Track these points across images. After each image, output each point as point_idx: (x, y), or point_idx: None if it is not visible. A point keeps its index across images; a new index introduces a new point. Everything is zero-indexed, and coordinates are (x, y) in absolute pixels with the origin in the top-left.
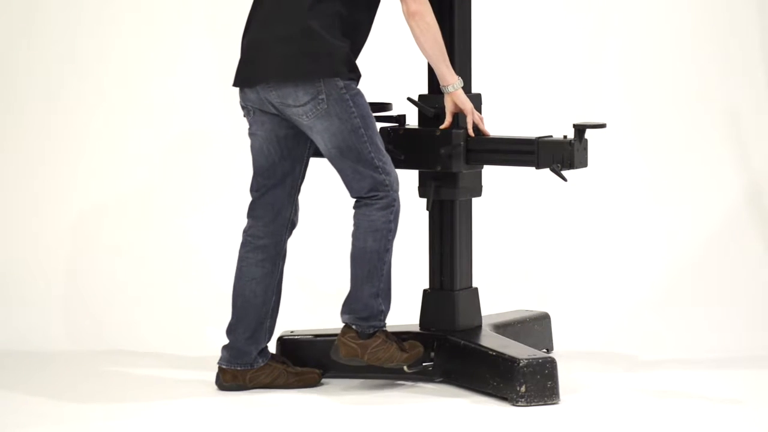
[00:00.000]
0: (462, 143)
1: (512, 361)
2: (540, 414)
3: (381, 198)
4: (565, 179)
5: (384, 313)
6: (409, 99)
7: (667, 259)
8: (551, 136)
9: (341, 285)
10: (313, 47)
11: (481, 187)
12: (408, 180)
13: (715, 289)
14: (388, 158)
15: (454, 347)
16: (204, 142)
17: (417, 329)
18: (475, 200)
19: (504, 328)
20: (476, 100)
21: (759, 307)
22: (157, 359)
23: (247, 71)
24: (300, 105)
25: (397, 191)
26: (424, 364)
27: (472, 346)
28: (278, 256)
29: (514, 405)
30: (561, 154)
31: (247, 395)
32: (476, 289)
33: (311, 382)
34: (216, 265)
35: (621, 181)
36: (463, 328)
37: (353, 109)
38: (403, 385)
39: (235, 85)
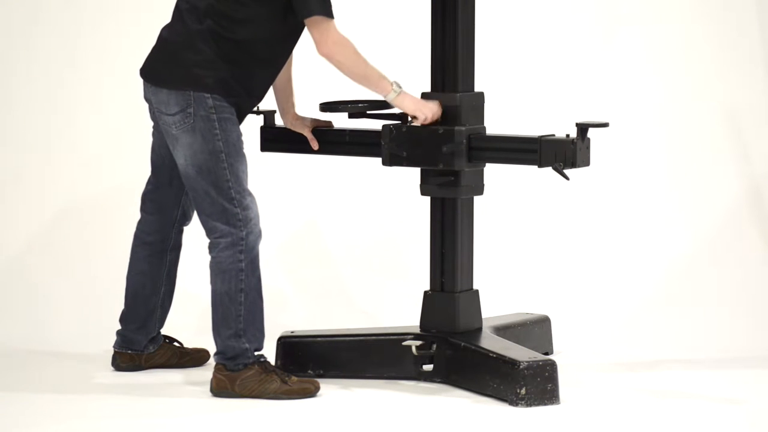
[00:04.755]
0: (464, 141)
1: (513, 363)
2: (540, 415)
3: (227, 236)
4: (567, 178)
5: (249, 350)
6: None
7: (667, 259)
8: (554, 135)
9: (341, 285)
10: (191, 59)
11: (483, 185)
12: (410, 178)
13: (715, 289)
14: (248, 193)
15: (454, 349)
16: None
17: (417, 331)
18: (476, 199)
19: (504, 330)
20: (478, 99)
21: (759, 307)
22: None
23: (143, 65)
24: (170, 114)
25: (252, 228)
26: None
27: (473, 348)
28: (165, 251)
29: (514, 407)
30: (563, 153)
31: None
32: (477, 291)
33: (202, 362)
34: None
35: (623, 180)
36: (464, 330)
37: (217, 132)
38: (403, 385)
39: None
